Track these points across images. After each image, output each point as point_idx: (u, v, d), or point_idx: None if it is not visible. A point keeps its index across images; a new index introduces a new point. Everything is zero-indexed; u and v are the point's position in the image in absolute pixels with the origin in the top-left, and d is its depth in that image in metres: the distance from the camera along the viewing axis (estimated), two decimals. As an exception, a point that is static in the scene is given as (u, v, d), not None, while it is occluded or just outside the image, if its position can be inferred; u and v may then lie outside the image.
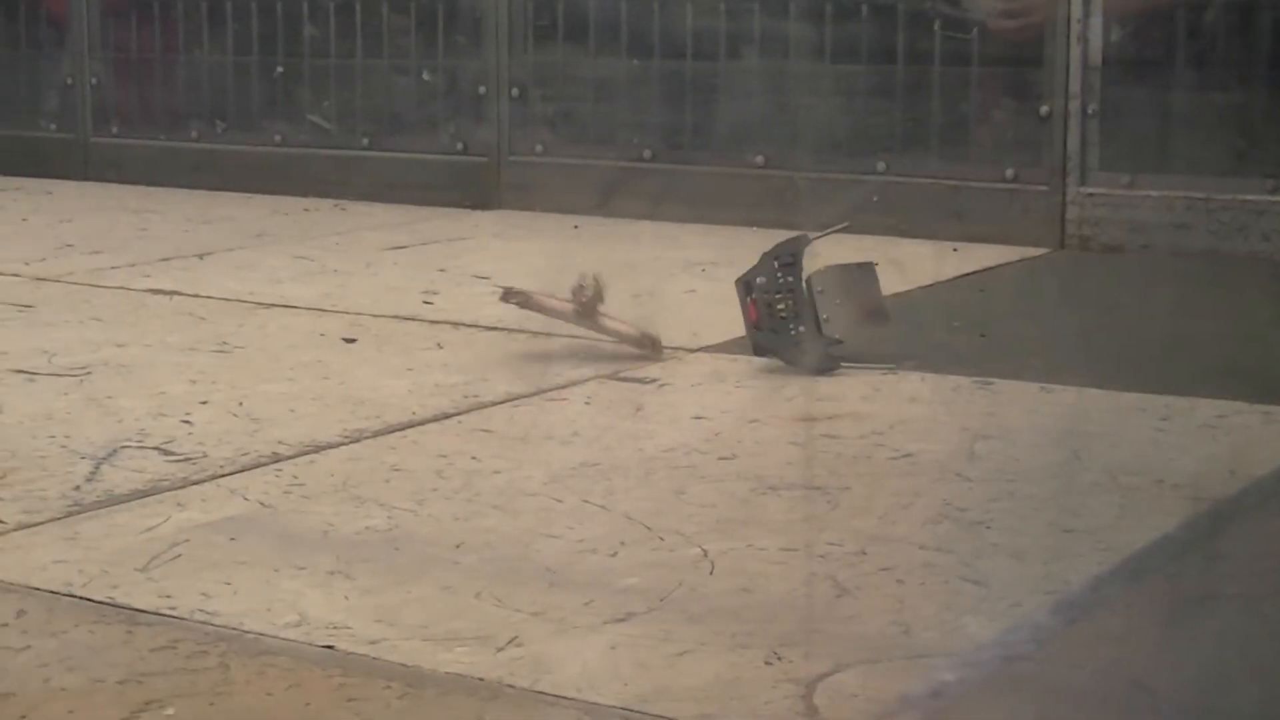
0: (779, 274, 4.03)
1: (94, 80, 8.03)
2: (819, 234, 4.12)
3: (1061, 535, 2.93)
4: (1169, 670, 2.40)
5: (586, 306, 4.09)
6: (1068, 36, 5.83)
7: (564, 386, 3.97)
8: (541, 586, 2.69)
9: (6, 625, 2.55)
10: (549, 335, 4.26)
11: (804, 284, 4.04)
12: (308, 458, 3.41)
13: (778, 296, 4.03)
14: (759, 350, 4.09)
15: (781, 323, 4.04)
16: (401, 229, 6.43)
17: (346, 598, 2.64)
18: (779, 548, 2.86)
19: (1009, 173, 5.99)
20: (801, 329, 4.04)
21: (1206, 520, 3.03)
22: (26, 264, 5.67)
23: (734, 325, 4.21)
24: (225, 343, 4.45)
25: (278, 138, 7.52)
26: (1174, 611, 2.64)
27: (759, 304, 4.04)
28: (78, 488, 3.21)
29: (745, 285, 4.07)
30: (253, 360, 4.27)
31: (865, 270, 4.21)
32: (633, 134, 6.69)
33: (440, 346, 4.40)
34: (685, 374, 4.08)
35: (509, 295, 4.06)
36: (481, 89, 7.00)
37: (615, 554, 2.83)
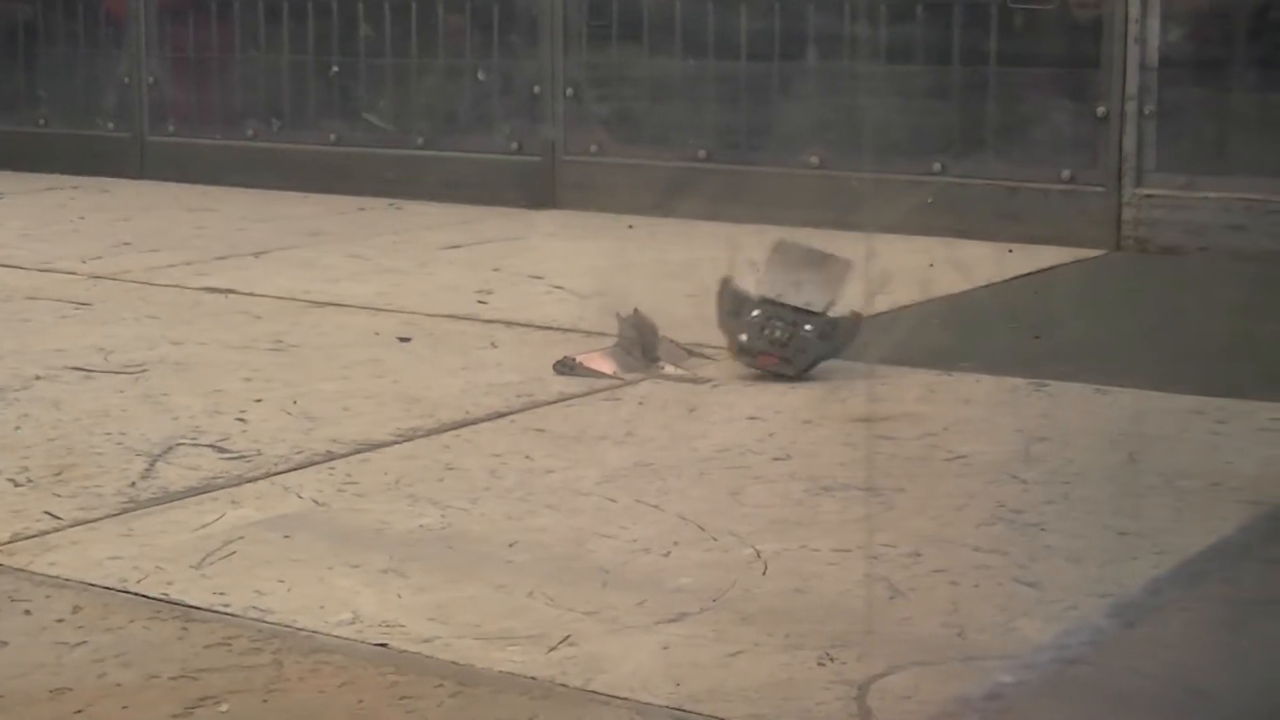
0: (760, 310, 4.04)
1: (151, 79, 8.07)
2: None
3: (1117, 538, 2.91)
4: (1226, 675, 2.38)
5: (636, 350, 4.09)
6: (1125, 37, 5.80)
7: (618, 386, 3.96)
8: (594, 586, 2.68)
9: (62, 621, 2.56)
10: (603, 335, 4.26)
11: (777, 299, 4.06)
12: (362, 456, 3.41)
13: (766, 330, 4.03)
14: (805, 370, 4.06)
15: (787, 343, 4.03)
16: (457, 228, 6.44)
17: (400, 596, 2.64)
18: (832, 549, 2.85)
19: (1065, 174, 5.96)
20: (806, 329, 4.03)
21: (1264, 524, 3.01)
22: (84, 262, 5.70)
23: (788, 326, 4.20)
24: (280, 341, 4.46)
25: (333, 137, 7.54)
26: (1231, 616, 2.62)
27: (767, 350, 4.04)
28: (133, 484, 3.22)
29: (742, 350, 4.06)
30: (307, 358, 4.28)
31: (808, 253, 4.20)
32: (688, 134, 6.69)
33: (494, 345, 4.41)
34: (739, 374, 4.07)
35: (561, 366, 4.07)
36: (537, 89, 7.01)
37: (668, 554, 2.83)
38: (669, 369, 4.06)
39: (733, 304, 4.09)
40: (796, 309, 4.05)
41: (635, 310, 4.14)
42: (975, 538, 2.90)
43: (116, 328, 4.65)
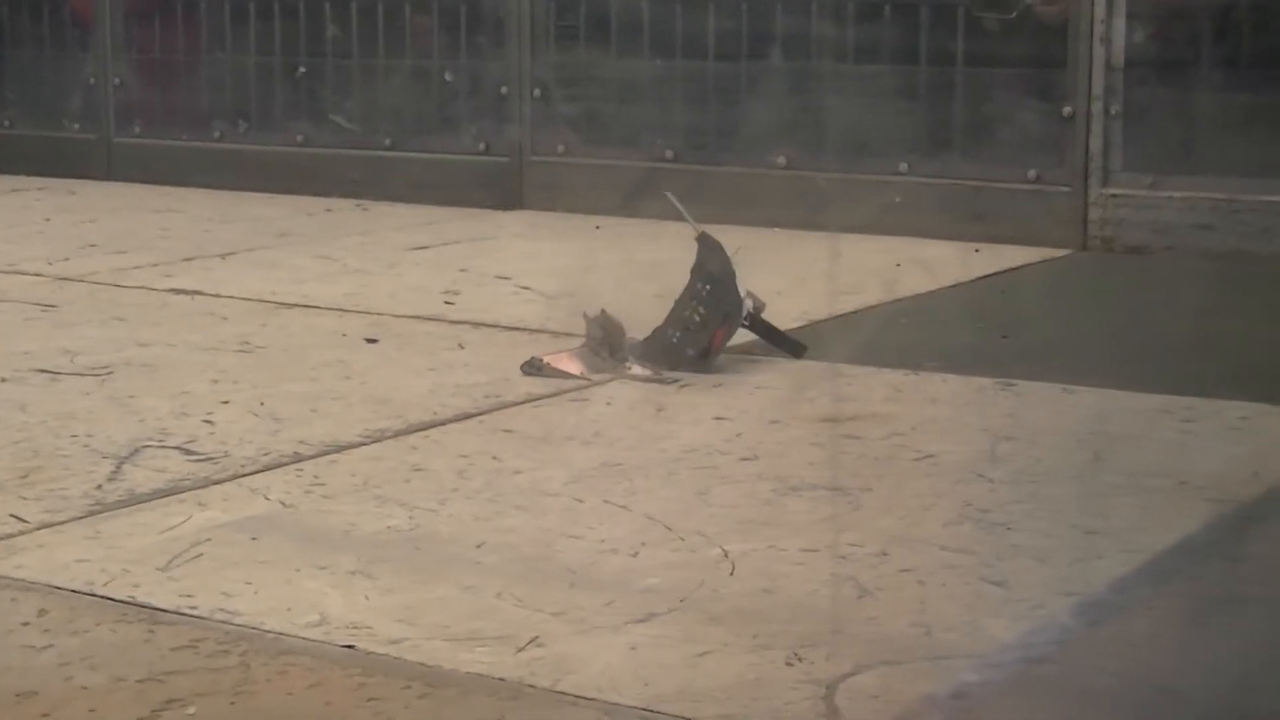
0: (674, 333, 4.09)
1: (117, 80, 8.05)
2: (698, 229, 4.17)
3: (1084, 537, 2.92)
4: (1193, 673, 2.39)
5: (604, 350, 4.10)
6: (1091, 37, 5.81)
7: (585, 387, 3.96)
8: (563, 586, 2.68)
9: (29, 624, 2.55)
10: (570, 336, 4.26)
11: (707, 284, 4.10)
12: (329, 457, 3.41)
13: (690, 327, 4.07)
14: (739, 309, 4.11)
15: (710, 312, 4.07)
16: (424, 229, 6.43)
17: (367, 597, 2.64)
18: (800, 548, 2.85)
19: (1032, 174, 5.98)
20: (703, 289, 4.08)
21: (1230, 522, 3.02)
22: (50, 264, 5.68)
23: (756, 326, 4.20)
24: (247, 342, 4.45)
25: (300, 138, 7.53)
26: (1197, 614, 2.63)
27: (710, 332, 4.07)
28: (100, 487, 3.21)
29: (698, 357, 4.08)
30: (275, 360, 4.27)
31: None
32: (655, 134, 6.69)
33: (462, 346, 4.40)
34: (706, 374, 4.07)
35: (528, 367, 4.07)
36: (504, 89, 7.00)
37: (636, 554, 2.83)
38: (636, 369, 4.06)
39: (660, 343, 4.12)
40: (682, 304, 4.08)
41: (602, 311, 4.14)
42: (942, 537, 2.90)
43: (83, 329, 4.63)
